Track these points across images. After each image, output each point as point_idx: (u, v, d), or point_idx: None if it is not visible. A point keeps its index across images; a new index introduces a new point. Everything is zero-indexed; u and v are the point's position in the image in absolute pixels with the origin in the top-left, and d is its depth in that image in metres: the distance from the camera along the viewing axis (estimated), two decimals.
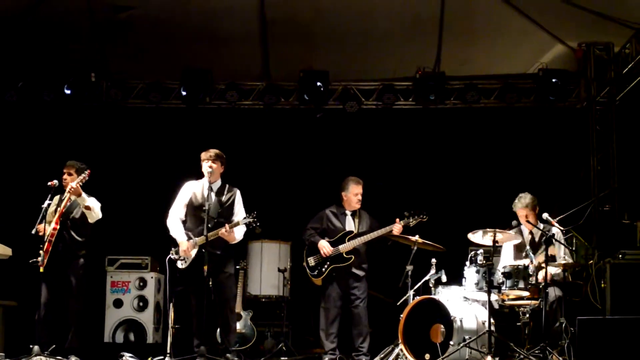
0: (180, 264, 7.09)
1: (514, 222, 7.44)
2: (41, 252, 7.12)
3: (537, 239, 7.48)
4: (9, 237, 7.92)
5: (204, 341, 7.10)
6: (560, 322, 6.90)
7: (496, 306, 7.26)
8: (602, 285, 7.76)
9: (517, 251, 7.54)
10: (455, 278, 7.38)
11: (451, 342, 6.76)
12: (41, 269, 7.07)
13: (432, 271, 7.38)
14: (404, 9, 9.12)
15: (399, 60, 9.84)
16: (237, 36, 9.45)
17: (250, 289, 9.19)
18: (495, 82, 9.86)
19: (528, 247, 7.27)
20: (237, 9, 9.08)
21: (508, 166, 9.84)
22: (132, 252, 9.33)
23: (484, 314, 6.95)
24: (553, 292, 7.07)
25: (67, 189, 7.34)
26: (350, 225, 7.79)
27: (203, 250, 6.93)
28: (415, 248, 7.56)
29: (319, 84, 9.64)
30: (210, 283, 6.93)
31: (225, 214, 7.22)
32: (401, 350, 7.05)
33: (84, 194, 7.39)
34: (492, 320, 6.79)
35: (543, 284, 6.87)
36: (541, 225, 7.36)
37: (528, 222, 7.46)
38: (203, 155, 7.29)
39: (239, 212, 7.27)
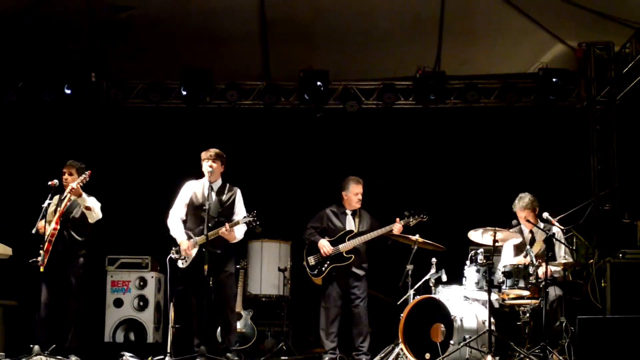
0: (181, 264, 7.10)
1: (514, 222, 7.44)
2: (41, 251, 7.12)
3: (537, 238, 7.47)
4: (9, 237, 7.92)
5: (204, 341, 7.11)
6: (561, 322, 6.89)
7: (496, 305, 7.25)
8: (603, 284, 7.76)
9: (518, 251, 7.53)
10: (456, 277, 7.37)
11: (451, 342, 6.75)
12: (41, 269, 7.07)
13: (433, 270, 7.37)
14: (404, 9, 9.13)
15: (399, 60, 9.84)
16: (237, 36, 9.45)
17: (251, 289, 9.19)
18: (495, 81, 9.86)
19: (528, 247, 7.26)
20: (237, 9, 9.09)
21: (508, 165, 9.84)
22: (132, 252, 9.33)
23: (484, 314, 6.95)
24: (553, 292, 7.06)
25: (68, 190, 7.34)
26: (351, 224, 7.79)
27: (203, 249, 6.94)
28: (416, 247, 7.56)
29: (319, 83, 9.64)
30: (211, 282, 6.94)
31: (225, 213, 7.23)
32: (401, 349, 7.04)
33: (84, 195, 7.40)
34: (492, 320, 6.79)
35: (543, 280, 6.86)
36: (541, 225, 7.36)
37: (528, 221, 7.45)
38: (203, 154, 7.29)
39: (240, 212, 7.27)
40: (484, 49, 9.77)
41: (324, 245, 7.64)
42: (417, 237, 7.58)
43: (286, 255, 9.27)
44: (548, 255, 6.98)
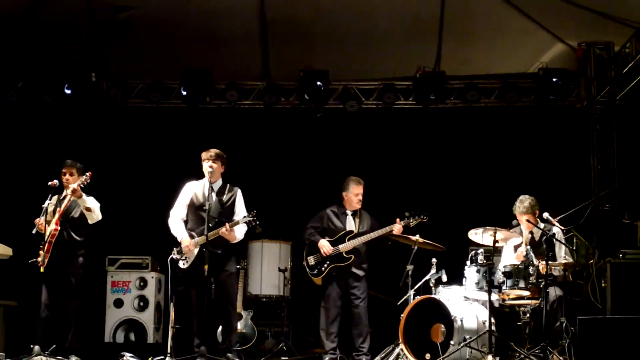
0: (182, 264, 7.09)
1: (515, 222, 7.44)
2: (41, 252, 7.13)
3: (537, 238, 7.48)
4: (9, 237, 7.93)
5: (205, 341, 7.11)
6: (561, 322, 6.89)
7: (497, 305, 7.25)
8: (603, 284, 7.76)
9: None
10: (456, 278, 7.37)
11: (452, 342, 6.75)
12: (41, 269, 7.08)
13: (433, 271, 7.37)
14: (404, 9, 9.13)
15: (399, 60, 9.84)
16: (237, 36, 9.45)
17: (251, 289, 9.19)
18: (496, 81, 9.85)
19: (528, 247, 7.26)
20: (237, 9, 9.09)
21: (508, 165, 9.84)
22: (132, 252, 9.33)
23: (484, 314, 6.95)
24: (553, 292, 7.06)
25: (69, 191, 7.33)
26: (351, 225, 7.79)
27: (204, 249, 6.94)
28: (416, 248, 7.56)
29: (319, 83, 9.64)
30: (212, 282, 6.93)
31: (226, 213, 7.23)
32: (402, 350, 7.04)
33: (84, 196, 7.39)
34: (492, 320, 6.79)
35: (544, 277, 6.87)
36: (542, 225, 7.36)
37: (528, 221, 7.45)
38: (203, 155, 7.29)
39: (240, 212, 7.27)
40: (484, 49, 9.77)
41: (324, 245, 7.64)
42: (417, 237, 7.58)
43: (286, 255, 9.26)
44: (548, 255, 6.97)
